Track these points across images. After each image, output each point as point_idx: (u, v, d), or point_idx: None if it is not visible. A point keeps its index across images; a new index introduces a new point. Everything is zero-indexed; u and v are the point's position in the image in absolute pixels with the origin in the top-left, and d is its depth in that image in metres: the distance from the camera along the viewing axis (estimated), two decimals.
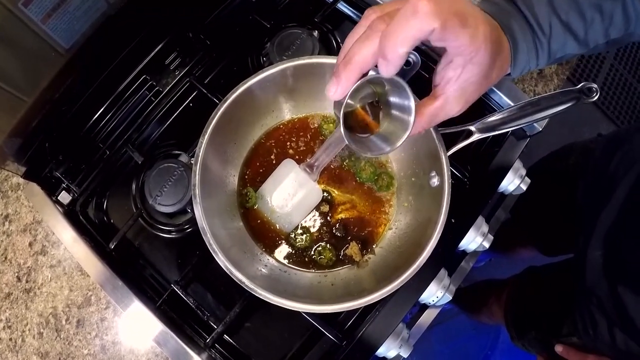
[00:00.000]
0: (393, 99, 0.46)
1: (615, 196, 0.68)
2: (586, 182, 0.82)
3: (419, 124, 0.45)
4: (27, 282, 0.70)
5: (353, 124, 0.49)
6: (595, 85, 0.58)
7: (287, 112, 0.68)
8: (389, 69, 0.38)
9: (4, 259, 0.71)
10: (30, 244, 0.71)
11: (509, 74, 0.49)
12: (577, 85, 0.59)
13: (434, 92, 0.45)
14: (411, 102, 0.43)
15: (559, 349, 0.78)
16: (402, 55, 0.37)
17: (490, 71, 0.43)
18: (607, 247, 0.68)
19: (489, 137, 0.63)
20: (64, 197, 0.72)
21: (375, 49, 0.38)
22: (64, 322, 0.68)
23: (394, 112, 0.46)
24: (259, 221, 0.64)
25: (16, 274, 0.70)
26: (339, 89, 0.41)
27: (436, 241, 0.54)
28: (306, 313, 0.61)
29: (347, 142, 0.45)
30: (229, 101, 0.59)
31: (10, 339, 0.68)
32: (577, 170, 0.87)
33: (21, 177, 0.69)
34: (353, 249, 0.62)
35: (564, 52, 0.48)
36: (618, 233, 0.67)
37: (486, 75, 0.43)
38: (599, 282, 0.69)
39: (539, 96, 0.60)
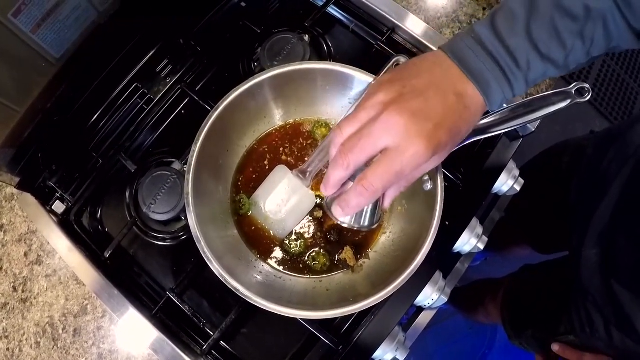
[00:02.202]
0: None
1: (609, 194, 0.68)
2: (579, 180, 0.82)
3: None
4: (23, 292, 0.69)
5: None
6: (587, 86, 0.58)
7: (279, 118, 0.68)
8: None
9: None
10: (25, 254, 0.71)
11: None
12: (570, 85, 0.59)
13: None
14: None
15: (555, 347, 0.79)
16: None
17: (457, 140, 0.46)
18: (602, 246, 0.68)
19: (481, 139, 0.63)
20: (58, 207, 0.72)
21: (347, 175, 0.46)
22: (60, 331, 0.68)
23: None
24: (253, 228, 0.64)
25: (12, 284, 0.70)
26: (328, 193, 0.49)
27: (430, 245, 0.54)
28: (302, 319, 0.61)
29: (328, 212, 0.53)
30: (220, 109, 0.59)
31: (8, 349, 0.67)
32: (570, 169, 0.87)
33: (15, 187, 0.69)
34: (347, 253, 0.62)
35: (543, 78, 0.47)
36: (612, 231, 0.67)
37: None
38: (594, 281, 0.69)
39: (531, 97, 0.60)
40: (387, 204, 0.53)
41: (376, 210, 0.54)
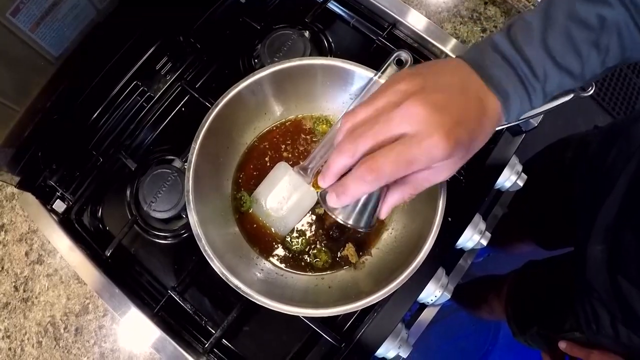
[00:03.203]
0: None
1: (614, 190, 0.68)
2: (584, 175, 0.81)
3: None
4: (24, 291, 0.69)
5: None
6: None
7: (279, 115, 0.67)
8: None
9: (0, 268, 0.70)
10: (26, 254, 0.71)
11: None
12: None
13: None
14: None
15: (562, 345, 0.78)
16: None
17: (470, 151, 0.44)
18: (608, 241, 0.67)
19: None
20: (59, 206, 0.72)
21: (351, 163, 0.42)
22: (62, 330, 0.67)
23: None
24: (254, 225, 0.63)
25: (13, 284, 0.70)
26: (325, 184, 0.45)
27: (433, 241, 0.54)
28: (304, 316, 0.61)
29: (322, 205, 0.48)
30: (219, 106, 0.59)
31: (10, 349, 0.67)
32: (574, 164, 0.87)
33: (15, 187, 0.69)
34: (349, 250, 0.61)
35: (560, 90, 0.46)
36: (619, 227, 0.66)
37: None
38: (600, 277, 0.68)
39: None
40: (385, 211, 0.48)
41: (375, 211, 0.48)
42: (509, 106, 0.43)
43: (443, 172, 0.43)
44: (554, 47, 0.43)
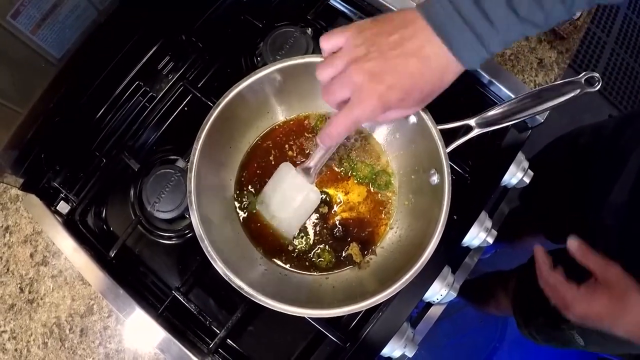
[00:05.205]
0: None
1: (626, 170, 0.67)
2: (598, 157, 0.81)
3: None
4: (29, 292, 0.70)
5: None
6: (597, 75, 0.56)
7: (281, 113, 0.67)
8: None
9: (6, 270, 0.71)
10: (31, 255, 0.71)
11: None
12: (579, 75, 0.58)
13: None
14: None
15: (573, 244, 0.60)
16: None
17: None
18: (619, 218, 0.67)
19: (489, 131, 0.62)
20: (63, 207, 0.72)
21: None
22: (67, 331, 0.68)
23: None
24: (258, 225, 0.63)
25: (19, 285, 0.70)
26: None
27: (438, 240, 0.53)
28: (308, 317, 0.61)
29: None
30: (221, 105, 0.58)
31: (16, 350, 0.68)
32: (588, 148, 0.86)
33: (19, 189, 0.69)
34: (353, 250, 0.61)
35: (522, 37, 0.47)
36: (630, 204, 0.66)
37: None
38: (610, 251, 0.68)
39: (540, 88, 0.59)
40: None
41: None
42: (462, 55, 0.46)
43: (395, 113, 0.53)
44: (517, 4, 0.43)
